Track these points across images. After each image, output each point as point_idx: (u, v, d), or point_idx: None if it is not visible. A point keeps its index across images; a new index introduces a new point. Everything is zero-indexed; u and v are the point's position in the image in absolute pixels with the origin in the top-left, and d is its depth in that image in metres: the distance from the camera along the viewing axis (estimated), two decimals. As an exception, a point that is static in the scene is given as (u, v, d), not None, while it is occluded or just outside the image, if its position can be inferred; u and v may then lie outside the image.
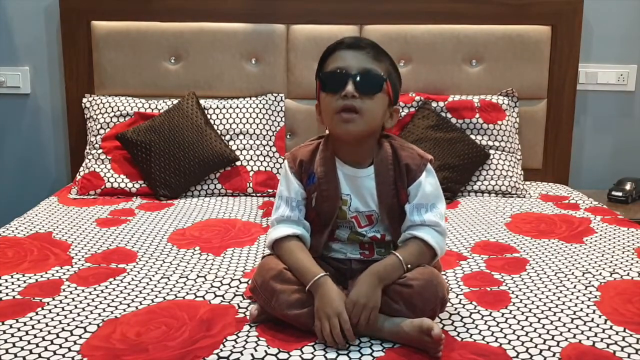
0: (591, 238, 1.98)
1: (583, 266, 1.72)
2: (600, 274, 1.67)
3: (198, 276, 1.64)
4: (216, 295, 1.51)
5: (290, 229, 1.43)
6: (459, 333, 1.33)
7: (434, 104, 2.62)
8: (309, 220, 1.47)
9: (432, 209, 1.41)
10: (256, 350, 1.24)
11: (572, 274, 1.66)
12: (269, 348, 1.25)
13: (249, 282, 1.47)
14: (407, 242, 1.40)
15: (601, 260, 1.77)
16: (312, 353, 1.24)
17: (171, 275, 1.65)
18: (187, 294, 1.53)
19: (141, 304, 1.47)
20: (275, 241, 1.43)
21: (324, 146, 1.47)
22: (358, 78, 1.36)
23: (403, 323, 1.27)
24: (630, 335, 1.31)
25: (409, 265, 1.34)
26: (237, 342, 1.27)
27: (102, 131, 2.57)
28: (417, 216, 1.40)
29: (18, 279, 1.60)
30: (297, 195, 1.46)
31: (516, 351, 1.25)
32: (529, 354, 1.24)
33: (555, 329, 1.35)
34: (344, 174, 1.44)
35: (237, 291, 1.54)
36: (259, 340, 1.28)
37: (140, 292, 1.54)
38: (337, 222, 1.46)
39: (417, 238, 1.39)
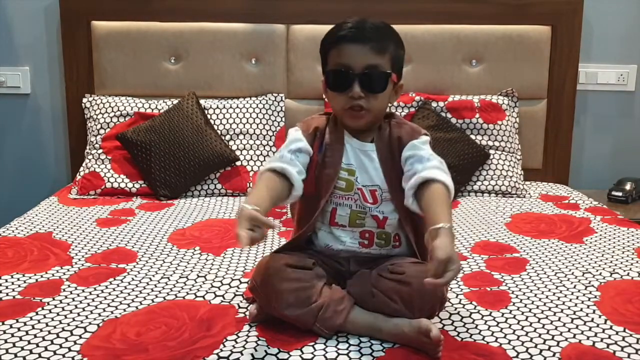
0: (591, 238, 1.98)
1: (583, 266, 1.72)
2: (600, 274, 1.67)
3: (198, 276, 1.64)
4: (216, 295, 1.51)
5: (277, 163, 1.40)
6: (459, 333, 1.33)
7: (434, 104, 2.62)
8: (306, 193, 1.44)
9: (432, 159, 1.39)
10: (256, 350, 1.24)
11: (572, 274, 1.66)
12: (269, 348, 1.25)
13: (249, 282, 1.47)
14: (430, 190, 1.32)
15: (601, 260, 1.77)
16: (312, 353, 1.24)
17: (171, 275, 1.65)
18: (187, 294, 1.53)
19: (141, 304, 1.47)
20: (262, 172, 1.41)
21: (334, 118, 1.49)
22: (364, 78, 1.37)
23: (402, 324, 1.27)
24: (630, 335, 1.32)
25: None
26: (237, 342, 1.27)
27: (102, 131, 2.57)
28: (419, 164, 1.37)
29: (18, 279, 1.60)
30: (299, 144, 1.43)
31: (516, 351, 1.25)
32: (529, 354, 1.24)
33: (555, 329, 1.35)
34: (352, 146, 1.46)
35: (237, 291, 1.54)
36: (259, 340, 1.28)
37: (140, 292, 1.54)
38: (339, 196, 1.44)
39: (434, 181, 1.33)
